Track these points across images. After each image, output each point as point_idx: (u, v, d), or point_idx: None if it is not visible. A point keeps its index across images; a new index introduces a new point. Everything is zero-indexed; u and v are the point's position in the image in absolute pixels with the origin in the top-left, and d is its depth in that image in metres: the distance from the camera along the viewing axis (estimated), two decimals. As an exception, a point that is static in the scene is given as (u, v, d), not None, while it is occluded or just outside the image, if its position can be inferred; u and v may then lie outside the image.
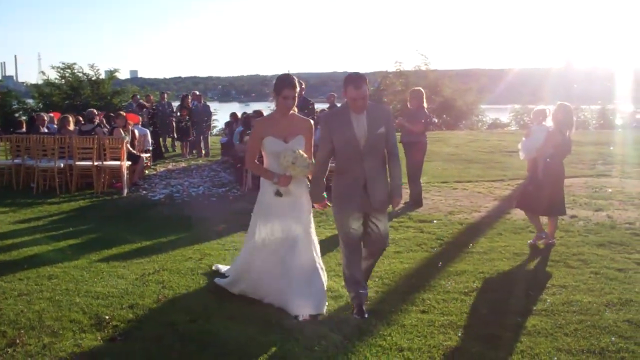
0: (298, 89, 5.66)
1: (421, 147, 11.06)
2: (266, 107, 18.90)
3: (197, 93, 22.18)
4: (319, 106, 17.93)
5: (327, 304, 5.73)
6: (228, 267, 6.88)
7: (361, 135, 5.37)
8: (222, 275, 6.70)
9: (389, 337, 5.10)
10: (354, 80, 5.32)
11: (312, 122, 5.91)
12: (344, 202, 5.53)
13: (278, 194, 5.74)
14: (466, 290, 6.30)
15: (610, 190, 12.33)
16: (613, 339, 5.03)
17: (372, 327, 5.33)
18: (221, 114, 34.29)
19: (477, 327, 5.34)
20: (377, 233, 5.65)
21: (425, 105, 11.26)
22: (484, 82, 42.54)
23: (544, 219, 8.32)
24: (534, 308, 5.73)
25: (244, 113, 18.37)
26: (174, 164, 18.34)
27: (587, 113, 36.79)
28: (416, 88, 11.66)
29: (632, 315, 5.55)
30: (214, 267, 7.14)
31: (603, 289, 6.29)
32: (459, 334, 5.17)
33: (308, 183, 5.83)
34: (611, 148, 20.02)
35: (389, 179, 5.69)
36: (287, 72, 6.55)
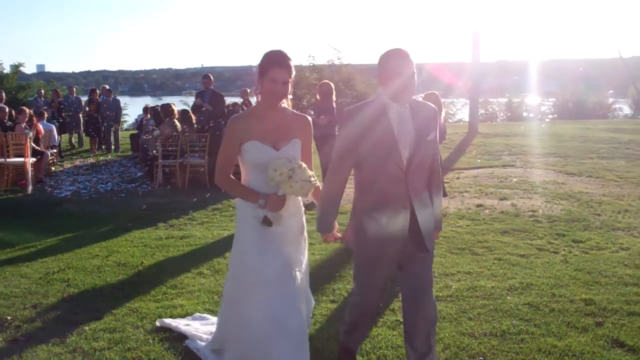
0: (294, 72, 3.97)
1: (331, 141, 11.14)
2: (178, 102, 18.57)
3: (107, 87, 21.65)
4: (231, 100, 17.73)
5: None
6: (177, 320, 5.22)
7: (406, 143, 3.78)
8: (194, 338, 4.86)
9: (298, 328, 5.12)
10: None
11: (310, 119, 4.16)
12: (377, 247, 3.89)
13: (266, 222, 3.91)
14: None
15: (515, 179, 12.75)
16: (514, 321, 5.22)
17: (282, 318, 5.34)
18: (132, 108, 33.64)
19: (385, 314, 5.44)
20: (422, 287, 4.01)
21: (334, 99, 11.36)
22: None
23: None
24: (440, 294, 5.87)
25: (156, 106, 18.09)
26: (81, 159, 17.86)
27: (495, 106, 38.06)
28: (325, 81, 11.75)
29: (532, 298, 5.78)
30: (158, 323, 5.24)
31: (506, 274, 6.52)
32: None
33: (302, 206, 4.25)
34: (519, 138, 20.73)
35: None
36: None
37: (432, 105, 4.02)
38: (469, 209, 9.92)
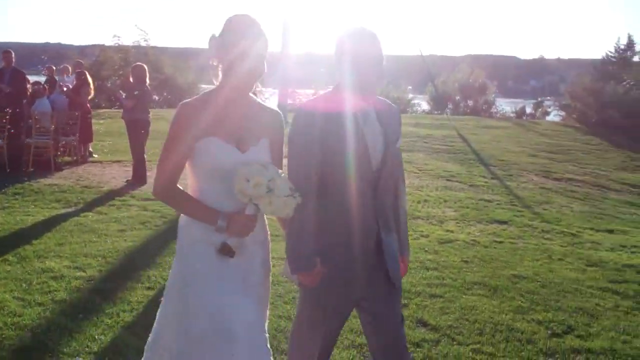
0: (268, 46, 2.92)
1: (144, 124, 10.95)
2: None
3: None
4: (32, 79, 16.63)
5: None
6: None
7: (375, 150, 3.05)
8: None
9: (115, 315, 5.07)
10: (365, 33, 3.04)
11: (281, 115, 3.10)
12: (335, 279, 3.04)
13: (225, 251, 2.83)
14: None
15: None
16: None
17: (97, 305, 5.26)
18: None
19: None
20: (389, 320, 3.17)
21: (147, 82, 11.17)
22: (204, 61, 43.09)
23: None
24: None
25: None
26: None
27: (303, 97, 39.09)
28: (138, 64, 11.52)
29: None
30: None
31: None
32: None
33: (267, 232, 3.06)
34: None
35: None
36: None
37: (393, 104, 3.34)
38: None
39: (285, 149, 3.06)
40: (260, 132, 2.95)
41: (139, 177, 11.01)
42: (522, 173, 14.18)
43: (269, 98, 36.17)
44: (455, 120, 26.16)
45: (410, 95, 36.87)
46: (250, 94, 3.00)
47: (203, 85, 40.27)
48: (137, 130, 10.94)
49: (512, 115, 32.36)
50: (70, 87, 14.09)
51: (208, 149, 2.83)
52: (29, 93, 13.05)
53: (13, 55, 12.63)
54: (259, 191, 2.73)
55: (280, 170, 2.88)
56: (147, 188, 10.63)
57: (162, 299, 3.01)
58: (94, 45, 40.07)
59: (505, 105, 34.98)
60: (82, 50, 47.03)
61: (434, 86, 35.21)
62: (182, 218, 3.00)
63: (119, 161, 13.37)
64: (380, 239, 3.07)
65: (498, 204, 10.60)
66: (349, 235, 3.02)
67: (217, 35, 2.92)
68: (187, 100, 2.94)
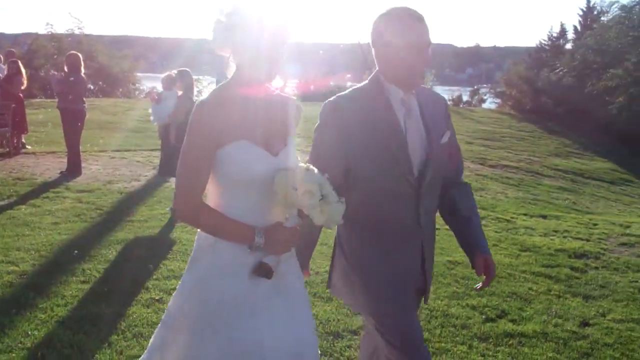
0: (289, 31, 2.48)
1: (79, 115, 10.72)
2: None
3: None
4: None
5: None
6: None
7: (417, 147, 2.71)
8: None
9: (49, 310, 4.97)
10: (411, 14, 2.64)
11: (301, 105, 2.72)
12: (393, 288, 2.74)
13: (263, 272, 2.42)
14: (129, 258, 6.39)
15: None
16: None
17: (30, 300, 5.14)
18: None
19: (140, 293, 5.45)
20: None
21: (83, 70, 10.93)
22: (139, 50, 42.55)
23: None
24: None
25: None
26: None
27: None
28: (72, 52, 11.27)
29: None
30: None
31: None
32: (115, 300, 5.22)
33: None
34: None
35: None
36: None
37: (439, 95, 3.06)
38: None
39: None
40: (286, 130, 2.56)
41: (73, 168, 10.80)
42: (457, 160, 14.42)
43: (207, 86, 35.97)
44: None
45: (349, 84, 37.09)
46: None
47: (139, 74, 39.78)
48: (72, 121, 10.71)
49: (449, 103, 32.90)
50: (2, 77, 13.69)
51: (237, 155, 2.38)
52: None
53: None
54: (312, 200, 2.35)
55: (321, 172, 2.45)
56: (82, 179, 10.46)
57: (161, 332, 2.57)
58: (27, 34, 39.13)
59: (442, 93, 35.56)
60: (15, 39, 45.81)
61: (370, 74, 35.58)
62: (205, 238, 2.48)
63: (53, 152, 13.08)
64: (423, 257, 2.80)
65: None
66: (400, 243, 2.76)
67: (223, 19, 2.42)
68: (204, 98, 2.47)
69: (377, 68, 2.76)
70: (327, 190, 2.39)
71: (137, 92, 38.43)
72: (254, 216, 2.42)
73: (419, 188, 2.71)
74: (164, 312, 2.66)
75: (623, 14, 28.11)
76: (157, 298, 5.32)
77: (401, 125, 2.67)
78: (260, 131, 2.43)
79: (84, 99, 11.01)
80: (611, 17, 28.86)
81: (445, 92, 35.86)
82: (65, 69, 11.00)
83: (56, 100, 11.31)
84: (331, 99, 2.74)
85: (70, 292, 5.37)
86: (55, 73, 11.33)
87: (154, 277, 5.85)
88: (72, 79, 10.60)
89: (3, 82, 13.31)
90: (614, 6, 29.58)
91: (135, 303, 5.22)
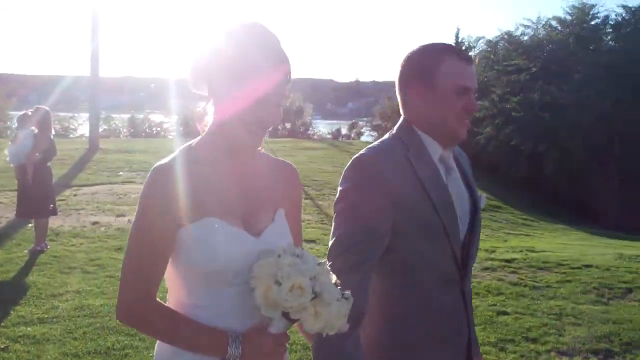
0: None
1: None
2: None
3: None
4: None
5: None
6: None
7: (460, 214, 2.07)
8: None
9: None
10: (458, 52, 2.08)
11: (297, 169, 2.05)
12: None
13: None
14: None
15: (133, 196, 12.90)
16: (119, 337, 5.31)
17: None
18: None
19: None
20: None
21: None
22: (12, 87, 41.24)
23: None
24: (46, 316, 5.72)
25: None
26: None
27: (117, 122, 38.03)
28: None
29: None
30: None
31: (115, 290, 6.58)
32: None
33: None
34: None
35: None
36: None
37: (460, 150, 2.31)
38: (84, 226, 9.81)
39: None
40: (274, 201, 1.88)
41: None
42: (333, 192, 14.59)
43: (82, 124, 34.91)
44: (273, 142, 26.53)
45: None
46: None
47: (11, 112, 38.13)
48: None
49: (328, 136, 33.50)
50: None
51: (203, 237, 1.71)
52: None
53: None
54: (301, 300, 1.61)
55: (319, 259, 1.73)
56: None
57: None
58: None
59: (323, 127, 36.29)
60: None
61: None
62: (163, 349, 1.81)
63: None
64: (470, 338, 2.14)
65: (308, 223, 10.85)
66: (439, 334, 2.04)
67: (206, 53, 1.78)
68: (162, 162, 1.77)
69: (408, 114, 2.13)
70: (324, 285, 1.66)
71: (9, 132, 36.90)
72: (227, 319, 1.74)
73: (465, 267, 2.09)
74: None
75: (488, 49, 29.63)
76: (2, 347, 5.01)
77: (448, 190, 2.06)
78: (236, 205, 1.79)
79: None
80: (478, 51, 30.26)
81: (326, 126, 36.61)
82: None
83: None
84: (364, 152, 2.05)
85: None
86: None
87: (2, 324, 5.52)
88: None
89: None
90: (480, 41, 31.06)
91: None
